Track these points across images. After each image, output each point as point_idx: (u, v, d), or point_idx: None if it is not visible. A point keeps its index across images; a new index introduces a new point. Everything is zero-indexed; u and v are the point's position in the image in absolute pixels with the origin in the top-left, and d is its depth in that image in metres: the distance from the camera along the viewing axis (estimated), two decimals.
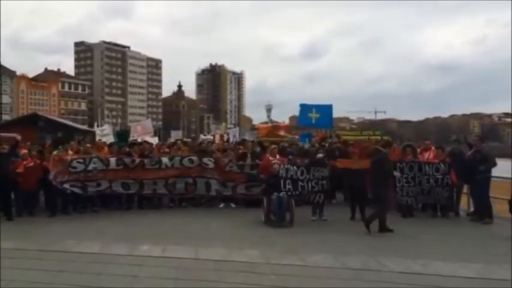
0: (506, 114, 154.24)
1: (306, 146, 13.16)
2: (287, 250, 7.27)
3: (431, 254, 6.96)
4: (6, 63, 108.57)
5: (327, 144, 12.27)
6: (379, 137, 12.29)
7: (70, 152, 11.41)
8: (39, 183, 10.93)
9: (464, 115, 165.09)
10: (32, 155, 11.14)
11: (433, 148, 11.20)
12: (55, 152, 11.09)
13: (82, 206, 11.29)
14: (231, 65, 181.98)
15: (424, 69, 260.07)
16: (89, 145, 12.45)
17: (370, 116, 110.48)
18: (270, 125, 20.59)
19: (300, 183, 9.99)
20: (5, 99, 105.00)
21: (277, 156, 10.95)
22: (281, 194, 9.73)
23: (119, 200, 11.87)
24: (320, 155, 11.26)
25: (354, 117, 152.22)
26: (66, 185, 10.83)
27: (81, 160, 11.11)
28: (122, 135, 17.50)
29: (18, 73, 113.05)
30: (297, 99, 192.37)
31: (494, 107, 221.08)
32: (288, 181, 9.99)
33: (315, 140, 13.87)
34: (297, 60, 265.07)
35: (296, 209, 9.76)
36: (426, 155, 10.97)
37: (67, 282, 5.74)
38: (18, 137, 11.49)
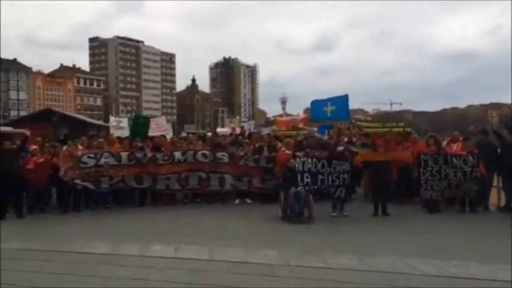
0: None
1: (325, 137, 12.59)
2: (307, 250, 6.79)
3: (464, 254, 6.43)
4: (22, 61, 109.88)
5: (346, 139, 11.67)
6: (401, 129, 11.64)
7: (80, 147, 11.07)
8: (50, 179, 10.66)
9: (482, 105, 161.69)
10: (43, 150, 10.89)
11: (461, 139, 10.58)
12: (65, 148, 10.77)
13: (94, 203, 10.98)
14: (243, 59, 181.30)
15: (438, 60, 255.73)
16: (101, 140, 12.09)
17: (385, 108, 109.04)
18: (289, 118, 19.95)
19: (319, 176, 9.51)
20: (22, 95, 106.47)
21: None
22: (299, 189, 9.28)
23: (131, 196, 11.54)
24: (341, 148, 10.75)
25: (369, 109, 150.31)
26: (78, 181, 10.53)
27: (92, 155, 10.79)
28: (142, 122, 16.07)
29: (34, 69, 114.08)
30: (309, 92, 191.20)
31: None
32: (306, 174, 9.53)
33: (333, 132, 13.31)
34: (309, 53, 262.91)
35: (314, 204, 9.29)
36: (454, 146, 10.36)
37: (74, 286, 5.38)
38: (28, 133, 11.22)
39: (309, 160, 9.69)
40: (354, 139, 12.06)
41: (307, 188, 9.39)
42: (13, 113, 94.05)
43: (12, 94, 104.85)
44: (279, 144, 11.99)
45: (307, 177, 9.50)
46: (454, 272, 5.62)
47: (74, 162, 10.44)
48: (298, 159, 9.72)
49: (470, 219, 9.19)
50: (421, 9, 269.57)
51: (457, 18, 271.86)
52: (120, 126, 17.55)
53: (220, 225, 8.84)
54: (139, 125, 15.60)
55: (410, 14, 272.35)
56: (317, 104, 13.14)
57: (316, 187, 9.51)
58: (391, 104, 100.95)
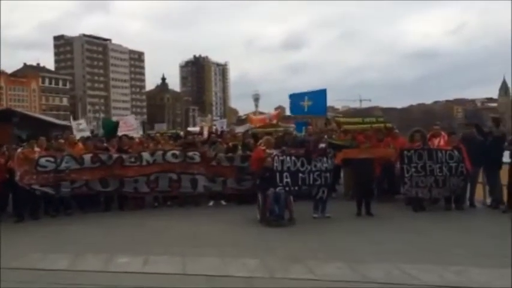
0: (489, 99, 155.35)
1: (302, 135, 12.03)
2: (291, 258, 6.14)
3: (461, 258, 5.91)
4: None
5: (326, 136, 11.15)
6: (382, 125, 11.18)
7: (37, 149, 10.08)
8: (6, 185, 9.66)
9: (447, 101, 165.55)
10: None
11: (443, 134, 10.17)
12: (19, 150, 9.78)
13: (54, 209, 10.03)
14: (213, 58, 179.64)
15: (404, 58, 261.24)
16: (62, 141, 11.10)
17: (355, 105, 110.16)
18: (263, 116, 19.32)
19: (300, 175, 8.91)
20: None
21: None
22: (278, 189, 8.64)
23: (96, 200, 10.65)
24: (322, 145, 10.19)
25: (338, 106, 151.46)
26: (36, 186, 9.58)
27: (51, 159, 9.83)
28: (110, 125, 15.59)
29: None
30: (280, 89, 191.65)
31: (476, 93, 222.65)
32: (285, 174, 8.92)
33: (311, 129, 12.75)
34: (279, 51, 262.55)
35: (294, 204, 8.68)
36: (436, 141, 9.94)
37: None
38: None
39: (288, 158, 9.08)
40: (334, 135, 11.51)
41: (287, 188, 8.78)
42: None
43: None
44: (251, 141, 11.40)
45: (286, 177, 8.90)
46: (455, 281, 5.07)
47: (30, 165, 9.48)
48: (276, 157, 9.09)
49: (459, 218, 8.76)
50: (387, 8, 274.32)
51: (421, 18, 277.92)
52: (80, 128, 16.61)
53: (193, 231, 8.08)
54: (109, 127, 14.96)
55: (376, 13, 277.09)
56: (295, 98, 12.58)
57: (297, 188, 8.90)
58: (360, 100, 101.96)
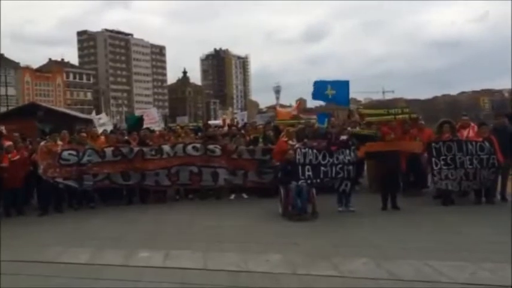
0: None
1: (325, 127, 11.74)
2: (315, 254, 5.96)
3: (495, 255, 5.60)
4: (9, 56, 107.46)
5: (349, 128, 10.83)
6: (407, 116, 10.80)
7: (60, 142, 10.12)
8: (28, 178, 9.74)
9: (474, 91, 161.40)
10: (19, 147, 9.95)
11: (473, 125, 9.77)
12: (42, 143, 9.83)
13: (77, 202, 10.10)
14: (234, 50, 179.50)
15: (428, 47, 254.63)
16: (84, 134, 11.13)
17: (377, 96, 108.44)
18: (289, 110, 18.97)
19: (322, 168, 8.70)
20: (11, 91, 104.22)
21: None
22: (300, 183, 8.45)
23: (119, 194, 10.65)
24: (344, 137, 9.94)
25: (361, 98, 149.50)
26: (59, 179, 9.63)
27: (73, 152, 9.87)
28: (135, 120, 15.63)
29: (22, 65, 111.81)
30: (301, 82, 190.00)
31: (503, 83, 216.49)
32: (307, 167, 8.73)
33: (334, 121, 12.45)
34: (299, 42, 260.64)
35: (317, 198, 8.48)
36: (465, 133, 9.53)
37: None
38: (2, 128, 10.25)
39: (310, 151, 8.87)
40: (358, 128, 11.20)
41: (309, 181, 8.59)
42: (1, 109, 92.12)
43: (0, 90, 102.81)
44: (272, 134, 11.21)
45: (308, 170, 8.72)
46: (488, 278, 4.81)
47: (53, 159, 9.52)
48: (298, 150, 8.90)
49: (490, 212, 8.37)
50: None
51: (445, 6, 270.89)
52: (100, 123, 16.70)
53: (215, 225, 7.97)
54: (132, 121, 15.00)
55: (399, 2, 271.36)
56: (319, 85, 12.26)
57: (318, 180, 8.69)
58: (383, 92, 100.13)
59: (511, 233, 6.35)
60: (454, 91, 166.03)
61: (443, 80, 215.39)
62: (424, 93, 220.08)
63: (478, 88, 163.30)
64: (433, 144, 9.08)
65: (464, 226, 7.32)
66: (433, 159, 8.95)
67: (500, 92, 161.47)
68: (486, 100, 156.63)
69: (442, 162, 8.88)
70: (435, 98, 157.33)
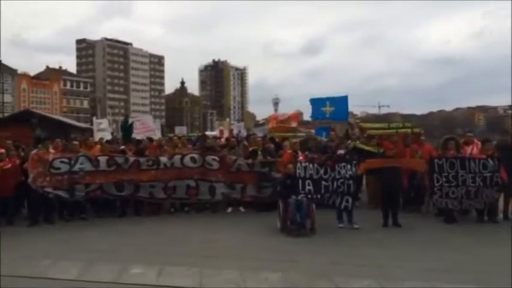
0: None
1: (326, 140, 11.58)
2: (316, 272, 5.72)
3: (502, 277, 5.37)
4: (7, 63, 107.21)
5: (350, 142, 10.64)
6: (409, 130, 10.64)
7: (52, 151, 9.84)
8: (19, 187, 9.44)
9: (469, 108, 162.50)
10: (11, 155, 9.66)
11: (476, 141, 9.60)
12: (34, 151, 9.55)
13: (69, 213, 9.79)
14: (232, 62, 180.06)
15: (424, 64, 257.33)
16: (76, 142, 10.80)
17: (373, 111, 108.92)
18: (280, 114, 18.77)
19: (323, 182, 8.49)
20: (7, 98, 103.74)
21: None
22: (299, 197, 8.22)
23: (112, 205, 10.34)
24: (341, 151, 9.76)
25: (357, 111, 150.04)
26: (49, 189, 9.32)
27: (65, 160, 9.58)
28: (127, 129, 15.21)
29: (19, 72, 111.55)
30: (298, 95, 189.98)
31: (498, 100, 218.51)
32: (307, 181, 8.50)
33: (334, 134, 12.28)
34: (297, 56, 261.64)
35: (316, 213, 8.24)
36: (468, 149, 9.36)
37: None
38: None
39: (311, 165, 8.66)
40: (358, 142, 11.04)
41: (309, 196, 8.35)
42: None
43: None
44: (272, 146, 11.01)
45: (309, 185, 8.49)
46: None
47: (44, 167, 9.24)
48: (299, 164, 8.68)
49: (495, 231, 8.17)
50: (407, 14, 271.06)
51: (441, 23, 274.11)
52: (100, 128, 16.36)
53: (211, 240, 7.71)
54: (125, 129, 14.67)
55: (396, 18, 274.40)
56: (316, 103, 12.14)
57: (319, 196, 8.46)
58: (379, 106, 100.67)
59: None
60: (449, 107, 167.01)
61: (438, 96, 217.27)
62: (420, 109, 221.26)
63: (473, 104, 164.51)
64: (435, 160, 8.89)
65: (469, 245, 7.11)
66: (435, 175, 8.73)
67: (495, 108, 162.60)
68: (481, 116, 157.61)
69: (444, 179, 8.66)
70: (430, 114, 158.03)
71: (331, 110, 12.67)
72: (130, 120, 16.77)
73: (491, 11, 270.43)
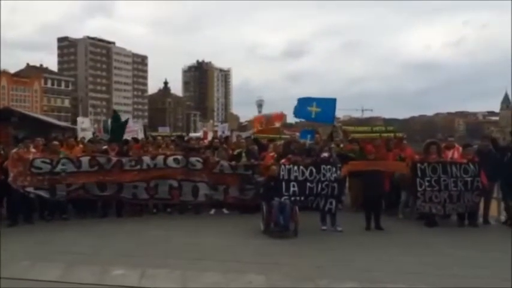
0: (490, 113, 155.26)
1: (311, 142, 11.59)
2: (299, 275, 5.73)
3: (486, 281, 5.45)
4: None
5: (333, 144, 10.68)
6: (392, 134, 10.75)
7: (33, 150, 9.66)
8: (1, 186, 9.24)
9: (449, 113, 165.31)
10: None
11: (457, 146, 9.75)
12: (14, 150, 9.36)
13: (49, 213, 9.61)
14: (216, 63, 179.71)
15: (407, 69, 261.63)
16: (56, 143, 10.56)
17: (356, 114, 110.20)
18: (263, 114, 18.77)
19: (308, 184, 8.52)
20: None
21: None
22: (283, 199, 8.24)
23: (93, 206, 10.19)
24: (325, 154, 9.78)
25: (340, 115, 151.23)
26: (30, 188, 9.14)
27: (47, 160, 9.40)
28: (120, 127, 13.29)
29: None
30: (281, 98, 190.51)
31: (477, 106, 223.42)
32: (292, 183, 8.52)
33: (319, 137, 12.32)
34: (280, 59, 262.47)
35: (299, 215, 8.26)
36: (449, 154, 9.50)
37: None
38: None
39: (295, 168, 8.68)
40: (342, 145, 11.10)
41: (293, 198, 8.37)
42: None
43: None
44: (256, 148, 10.99)
45: (293, 186, 8.51)
46: None
47: (24, 166, 9.06)
48: (283, 166, 8.70)
49: (475, 235, 8.32)
50: (389, 20, 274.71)
51: (423, 29, 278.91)
52: (82, 127, 16.06)
53: (194, 242, 7.64)
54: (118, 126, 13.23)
55: (379, 24, 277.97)
56: (302, 102, 12.07)
57: (303, 198, 8.49)
58: (362, 110, 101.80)
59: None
60: (430, 112, 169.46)
61: (420, 101, 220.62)
62: (402, 113, 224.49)
63: (453, 110, 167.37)
64: (418, 164, 9.00)
65: (449, 249, 7.20)
66: (418, 180, 8.84)
67: (474, 114, 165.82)
68: (461, 122, 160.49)
69: (427, 184, 8.78)
70: (412, 118, 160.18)
71: (317, 111, 12.48)
72: (123, 118, 14.89)
73: (471, 20, 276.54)
